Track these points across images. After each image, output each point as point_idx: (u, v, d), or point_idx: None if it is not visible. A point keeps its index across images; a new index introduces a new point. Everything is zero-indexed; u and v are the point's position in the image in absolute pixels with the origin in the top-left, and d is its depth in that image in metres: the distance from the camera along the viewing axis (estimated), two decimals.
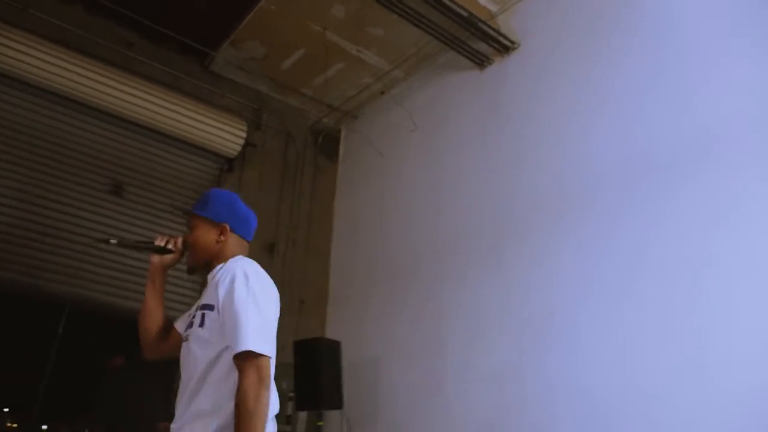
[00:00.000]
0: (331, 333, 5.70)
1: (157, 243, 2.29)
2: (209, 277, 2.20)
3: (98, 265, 4.99)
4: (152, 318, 2.28)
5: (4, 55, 4.67)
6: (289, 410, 5.33)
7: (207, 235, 2.24)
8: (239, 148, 5.70)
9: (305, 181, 6.32)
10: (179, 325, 2.30)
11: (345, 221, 6.29)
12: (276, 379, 5.42)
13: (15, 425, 12.75)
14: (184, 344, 2.13)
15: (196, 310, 2.14)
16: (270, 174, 6.11)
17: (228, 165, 5.79)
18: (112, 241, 2.26)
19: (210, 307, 2.06)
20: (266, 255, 5.86)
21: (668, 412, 3.24)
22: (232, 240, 2.25)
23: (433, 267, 5.03)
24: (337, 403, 4.69)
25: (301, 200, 6.24)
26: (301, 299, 5.96)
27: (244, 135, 5.73)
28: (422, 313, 4.96)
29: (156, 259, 2.29)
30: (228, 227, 2.24)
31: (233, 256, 2.21)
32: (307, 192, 6.30)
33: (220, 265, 2.17)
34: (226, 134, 5.62)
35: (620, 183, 3.87)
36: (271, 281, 2.14)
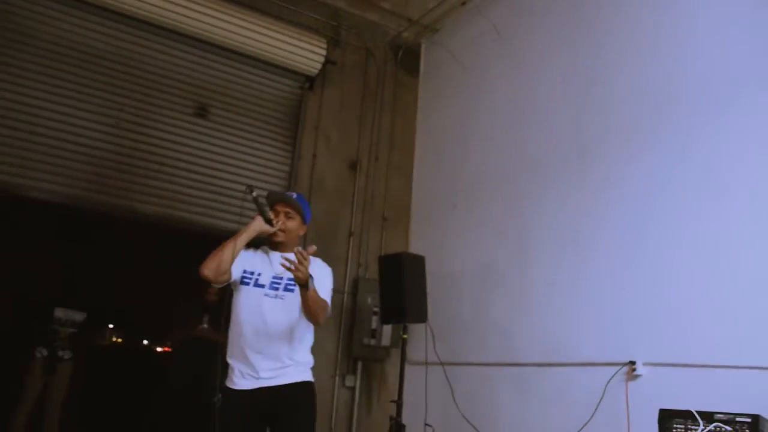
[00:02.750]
0: (414, 249, 5.71)
1: (270, 215, 3.06)
2: (282, 254, 2.97)
3: (188, 186, 5.17)
4: (233, 257, 2.97)
5: None
6: (374, 324, 5.47)
7: (298, 229, 3.24)
8: (319, 66, 5.66)
9: (386, 98, 6.25)
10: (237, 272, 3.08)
11: (427, 137, 6.21)
12: (361, 293, 5.62)
13: (120, 340, 13.70)
14: (270, 299, 3.07)
15: (287, 280, 3.04)
16: (351, 91, 6.07)
17: (309, 83, 5.77)
18: (254, 193, 2.97)
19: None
20: (349, 172, 5.90)
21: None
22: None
23: (517, 182, 4.93)
24: (422, 317, 4.75)
25: (383, 117, 6.19)
26: (384, 215, 6.00)
27: (323, 52, 5.68)
28: (506, 229, 4.90)
29: (260, 222, 3.03)
30: (305, 227, 3.33)
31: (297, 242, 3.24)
32: (388, 108, 6.24)
33: (295, 250, 2.82)
34: (305, 52, 5.58)
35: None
36: None
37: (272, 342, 3.01)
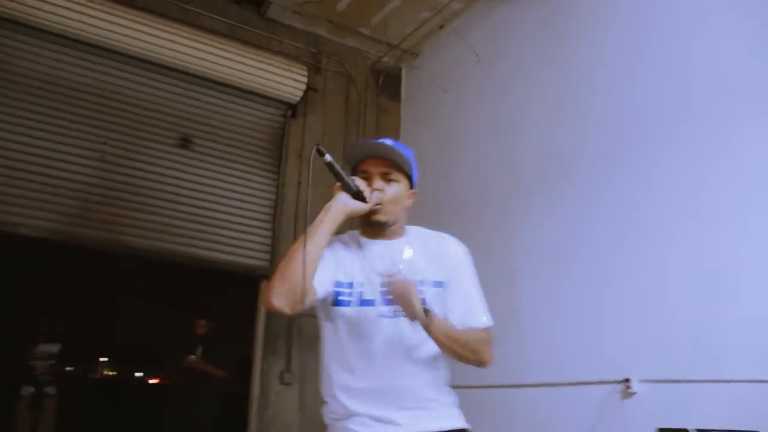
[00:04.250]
0: None
1: (358, 183, 1.91)
2: (385, 242, 2.01)
3: (174, 218, 5.17)
4: (314, 263, 1.83)
5: (65, 17, 4.78)
6: None
7: (405, 198, 2.02)
8: (301, 93, 5.70)
9: (369, 123, 6.29)
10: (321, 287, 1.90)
11: None
12: None
13: (113, 373, 13.53)
14: (389, 321, 1.91)
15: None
16: (333, 117, 6.10)
17: (291, 111, 5.81)
18: (327, 157, 1.86)
19: (440, 284, 1.97)
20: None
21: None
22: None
23: (501, 200, 4.96)
24: None
25: None
26: None
27: (305, 80, 5.73)
28: (491, 248, 4.91)
29: (344, 198, 1.90)
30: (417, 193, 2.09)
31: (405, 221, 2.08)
32: (371, 133, 6.26)
33: (404, 233, 2.05)
34: (287, 80, 5.63)
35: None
36: None
37: (404, 378, 1.92)
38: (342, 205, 1.88)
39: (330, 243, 1.92)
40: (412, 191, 2.04)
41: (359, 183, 1.90)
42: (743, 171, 3.38)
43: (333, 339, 1.98)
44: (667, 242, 3.68)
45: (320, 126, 5.96)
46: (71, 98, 4.96)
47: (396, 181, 1.97)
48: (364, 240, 2.02)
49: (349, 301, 1.93)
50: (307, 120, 5.92)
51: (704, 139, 3.61)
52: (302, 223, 5.66)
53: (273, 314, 5.52)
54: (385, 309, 1.89)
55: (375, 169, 1.96)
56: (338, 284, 1.94)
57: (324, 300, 1.95)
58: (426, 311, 1.77)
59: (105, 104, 5.07)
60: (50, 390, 5.40)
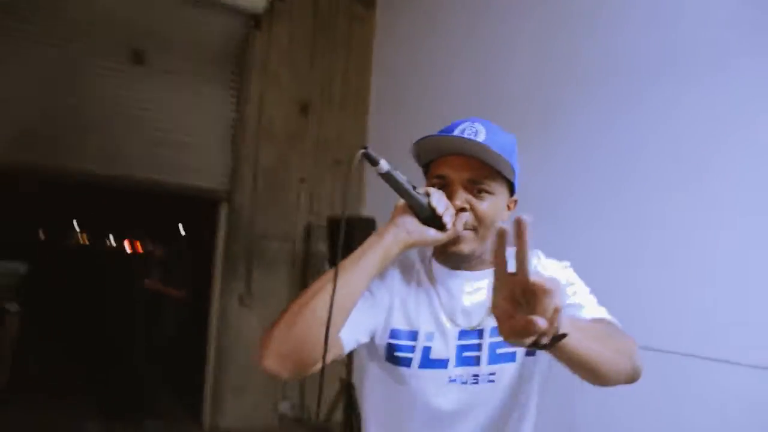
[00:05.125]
0: (370, 195, 5.57)
1: (435, 205, 1.26)
2: (471, 274, 1.37)
3: (127, 140, 4.84)
4: (343, 316, 1.22)
5: None
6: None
7: (503, 214, 1.35)
8: (265, 3, 5.21)
9: (340, 34, 5.83)
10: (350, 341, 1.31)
11: (384, 77, 5.87)
12: (313, 240, 5.48)
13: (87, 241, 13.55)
14: (464, 388, 1.33)
15: (497, 335, 1.16)
16: (301, 28, 5.62)
17: (255, 22, 5.33)
18: (383, 165, 1.24)
19: None
20: (300, 116, 5.59)
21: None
22: None
23: None
24: None
25: (336, 55, 5.79)
26: (337, 160, 5.75)
27: None
28: None
29: (409, 224, 1.28)
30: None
31: None
32: (342, 45, 5.83)
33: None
34: None
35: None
36: None
37: None
38: (405, 233, 1.26)
39: (390, 270, 1.38)
40: (512, 199, 1.37)
41: (436, 197, 1.25)
42: (747, 121, 3.17)
43: (380, 392, 1.41)
44: (647, 210, 3.54)
45: (286, 37, 5.51)
46: (9, 13, 4.45)
47: (490, 193, 1.29)
48: (439, 269, 1.37)
49: (410, 359, 1.32)
50: (273, 31, 5.45)
51: (700, 95, 3.35)
52: (264, 139, 5.40)
53: (232, 236, 5.39)
54: (461, 371, 1.31)
55: (459, 175, 1.28)
56: (394, 334, 1.34)
57: (373, 351, 1.38)
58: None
59: (47, 15, 4.57)
60: (12, 308, 5.31)
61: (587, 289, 1.38)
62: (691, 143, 3.15)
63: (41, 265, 6.16)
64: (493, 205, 1.31)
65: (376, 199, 5.72)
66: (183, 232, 5.91)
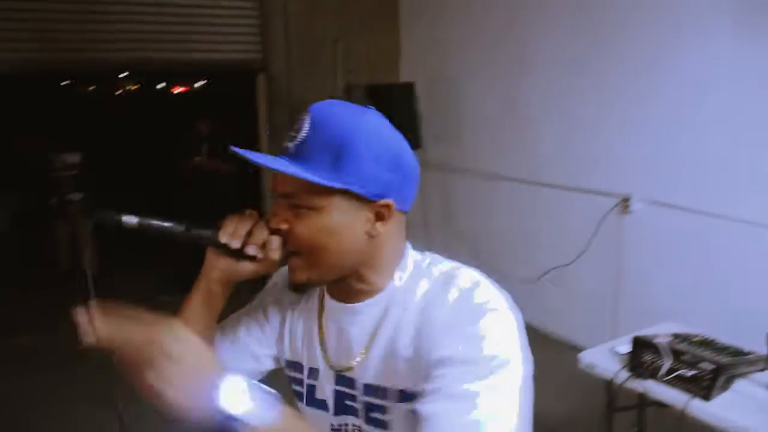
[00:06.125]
0: (405, 51, 5.45)
1: (220, 237, 1.03)
2: (350, 306, 1.06)
3: (155, 23, 4.73)
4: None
5: None
6: None
7: (351, 228, 0.98)
8: None
9: None
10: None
11: None
12: (354, 102, 5.54)
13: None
14: None
15: (365, 395, 1.03)
16: None
17: None
18: (128, 219, 1.01)
19: (410, 397, 0.95)
20: None
21: None
22: (393, 224, 1.01)
23: None
24: (415, 144, 4.64)
25: None
26: (371, 14, 5.51)
27: None
28: (506, 38, 4.53)
29: (225, 263, 1.06)
30: (392, 204, 0.98)
31: (397, 259, 1.04)
32: None
33: (389, 286, 1.03)
34: None
35: None
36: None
37: None
38: (218, 272, 1.07)
39: (272, 291, 1.22)
40: (380, 204, 0.98)
41: (228, 229, 1.02)
42: None
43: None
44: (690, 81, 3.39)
45: None
46: None
47: (312, 208, 0.96)
48: (327, 299, 1.11)
49: (302, 395, 1.14)
50: None
51: None
52: (292, 4, 5.20)
53: (273, 105, 5.38)
54: (342, 421, 1.09)
55: (279, 189, 1.00)
56: (288, 365, 1.17)
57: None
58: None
59: None
60: (75, 197, 5.56)
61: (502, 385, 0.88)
62: None
63: (98, 149, 6.29)
64: (318, 223, 0.96)
65: (412, 64, 5.59)
66: (224, 107, 5.90)
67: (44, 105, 7.38)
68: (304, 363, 1.13)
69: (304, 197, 0.96)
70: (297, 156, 0.96)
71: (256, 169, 5.57)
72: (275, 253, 1.00)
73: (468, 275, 0.97)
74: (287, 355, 1.16)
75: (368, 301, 1.03)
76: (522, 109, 4.45)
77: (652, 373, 2.14)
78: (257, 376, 1.15)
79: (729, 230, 3.26)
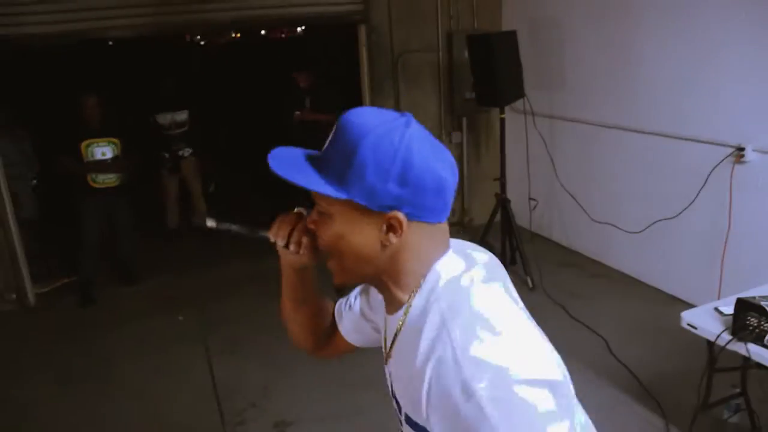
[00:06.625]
0: (507, 12, 5.37)
1: (269, 234, 1.16)
2: (387, 317, 1.10)
3: None
4: (296, 313, 1.34)
5: None
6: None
7: (361, 236, 0.99)
8: None
9: None
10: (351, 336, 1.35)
11: None
12: (456, 48, 5.45)
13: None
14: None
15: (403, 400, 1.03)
16: None
17: None
18: (209, 223, 1.24)
19: (414, 425, 0.98)
20: None
21: None
22: (414, 236, 0.98)
23: None
24: (518, 94, 4.60)
25: None
26: None
27: None
28: None
29: (281, 254, 1.20)
30: (402, 217, 0.96)
31: (422, 270, 1.01)
32: None
33: (407, 302, 1.02)
34: None
35: None
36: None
37: None
38: (284, 261, 1.23)
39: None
40: (388, 216, 0.96)
41: (274, 230, 1.14)
42: None
43: None
44: None
45: None
46: None
47: (326, 214, 1.01)
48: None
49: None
50: None
51: None
52: None
53: (375, 55, 5.42)
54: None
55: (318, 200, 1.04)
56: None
57: None
58: None
59: None
60: (185, 152, 5.83)
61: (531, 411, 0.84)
62: None
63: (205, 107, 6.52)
64: (331, 228, 1.01)
65: (513, 12, 5.48)
66: (328, 59, 5.98)
67: (155, 65, 7.65)
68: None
69: (320, 202, 1.01)
70: (321, 162, 0.99)
71: None
72: (306, 250, 1.12)
73: (467, 319, 0.92)
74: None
75: (394, 315, 1.05)
76: (629, 55, 4.28)
77: (757, 337, 2.10)
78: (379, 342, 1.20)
79: None
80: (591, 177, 4.78)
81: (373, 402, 2.96)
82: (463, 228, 5.81)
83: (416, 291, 1.00)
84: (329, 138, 0.99)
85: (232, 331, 4.23)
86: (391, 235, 0.97)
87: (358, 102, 5.62)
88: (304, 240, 1.11)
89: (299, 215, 1.12)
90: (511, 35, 4.49)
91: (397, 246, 0.98)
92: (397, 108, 5.48)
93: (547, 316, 3.98)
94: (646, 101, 4.22)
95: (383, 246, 0.98)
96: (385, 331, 1.12)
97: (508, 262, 4.78)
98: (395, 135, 0.94)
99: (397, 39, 5.41)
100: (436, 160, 0.96)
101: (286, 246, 1.13)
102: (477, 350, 0.86)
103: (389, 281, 1.03)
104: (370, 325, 1.29)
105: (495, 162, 4.92)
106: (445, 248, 1.03)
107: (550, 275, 4.56)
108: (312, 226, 1.07)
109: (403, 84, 5.57)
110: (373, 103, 5.49)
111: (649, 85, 4.17)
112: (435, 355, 0.90)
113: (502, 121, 4.62)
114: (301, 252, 1.12)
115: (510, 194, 4.70)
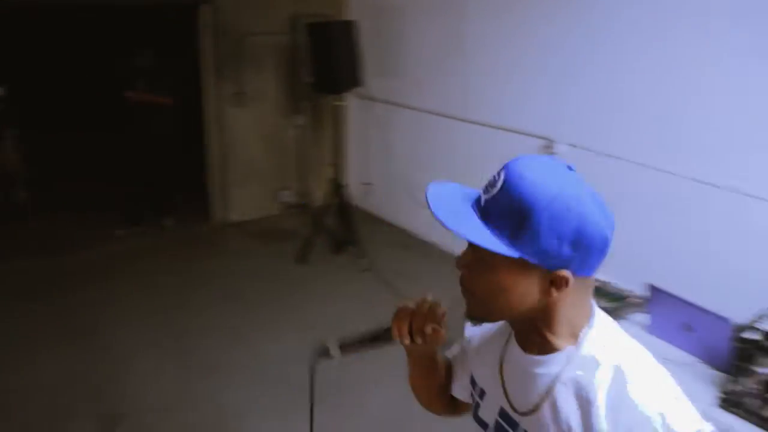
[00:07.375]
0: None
1: (394, 337, 1.20)
2: (524, 356, 1.10)
3: None
4: (425, 385, 1.41)
5: None
6: None
7: (522, 289, 1.01)
8: None
9: None
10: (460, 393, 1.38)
11: None
12: (299, 32, 5.44)
13: None
14: None
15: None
16: None
17: None
18: (334, 353, 1.23)
19: None
20: None
21: None
22: (573, 288, 0.99)
23: None
24: (355, 83, 4.76)
25: None
26: None
27: None
28: None
29: (407, 349, 1.27)
30: (570, 275, 0.98)
31: (576, 320, 1.04)
32: None
33: (563, 347, 1.04)
34: None
35: None
36: None
37: None
38: (407, 354, 1.31)
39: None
40: (554, 275, 0.98)
41: (397, 329, 1.18)
42: None
43: None
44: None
45: None
46: None
47: (486, 262, 1.00)
48: (512, 336, 1.16)
49: (476, 407, 1.26)
50: None
51: None
52: None
53: (218, 38, 5.41)
54: None
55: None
56: (472, 381, 1.28)
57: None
58: None
59: None
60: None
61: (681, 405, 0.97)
62: None
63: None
64: (491, 278, 1.01)
65: (360, 2, 5.65)
66: (165, 40, 5.80)
67: None
68: (478, 382, 1.24)
69: (482, 250, 0.98)
70: (486, 212, 0.99)
71: (197, 103, 5.64)
72: (432, 338, 1.17)
73: (643, 375, 0.99)
74: (478, 378, 1.26)
75: (544, 358, 1.06)
76: (460, 47, 4.60)
77: None
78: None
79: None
80: (421, 161, 5.09)
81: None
82: (302, 210, 5.96)
83: (575, 342, 1.04)
84: (493, 185, 0.99)
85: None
86: (553, 289, 0.99)
87: (197, 86, 5.58)
88: (427, 329, 1.15)
89: (405, 312, 1.17)
90: (350, 24, 4.65)
91: (556, 298, 1.00)
92: (240, 89, 5.54)
93: (380, 297, 4.29)
94: (472, 92, 4.56)
95: (543, 297, 1.00)
96: (502, 359, 1.17)
97: (343, 244, 4.96)
98: (571, 202, 0.95)
99: (242, 21, 5.44)
100: (604, 224, 0.98)
101: (412, 341, 1.17)
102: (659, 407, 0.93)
103: (542, 326, 1.05)
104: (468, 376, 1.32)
105: (328, 145, 5.06)
106: (591, 297, 1.08)
107: (383, 256, 4.81)
108: (464, 271, 1.06)
109: (247, 67, 5.60)
110: (215, 87, 5.50)
111: (476, 77, 4.51)
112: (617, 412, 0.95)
113: (340, 107, 4.79)
114: (428, 341, 1.17)
115: (350, 177, 4.90)
